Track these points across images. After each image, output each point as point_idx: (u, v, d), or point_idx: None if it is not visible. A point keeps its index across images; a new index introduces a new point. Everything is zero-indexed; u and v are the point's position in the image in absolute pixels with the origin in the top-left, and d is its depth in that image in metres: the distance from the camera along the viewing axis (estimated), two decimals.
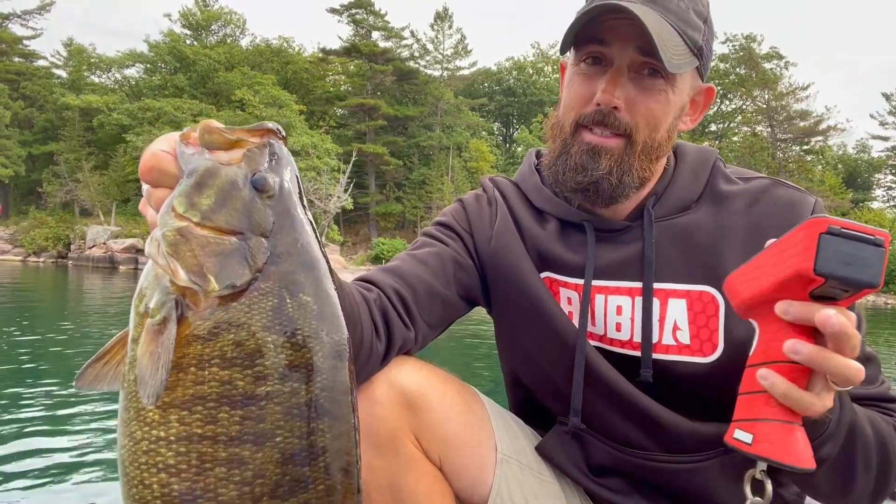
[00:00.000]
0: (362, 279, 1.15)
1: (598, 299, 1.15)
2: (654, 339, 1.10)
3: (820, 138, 43.14)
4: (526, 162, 1.33)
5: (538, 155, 1.33)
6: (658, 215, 1.14)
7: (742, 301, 0.82)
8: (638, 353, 1.11)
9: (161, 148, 0.66)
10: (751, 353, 0.82)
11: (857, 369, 0.75)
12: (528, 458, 1.21)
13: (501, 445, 1.16)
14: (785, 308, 0.75)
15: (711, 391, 1.07)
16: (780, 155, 41.06)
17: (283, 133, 0.68)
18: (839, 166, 48.31)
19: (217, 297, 0.62)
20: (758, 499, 0.84)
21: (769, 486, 0.83)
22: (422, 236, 1.29)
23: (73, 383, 0.67)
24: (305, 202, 0.69)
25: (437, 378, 1.12)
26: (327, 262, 0.68)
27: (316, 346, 0.64)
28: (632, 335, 1.12)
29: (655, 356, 1.10)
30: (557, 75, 1.31)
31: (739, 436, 0.80)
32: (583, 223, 1.18)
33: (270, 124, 0.67)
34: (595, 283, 1.14)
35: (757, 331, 0.82)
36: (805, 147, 43.51)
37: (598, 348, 1.15)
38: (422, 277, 1.15)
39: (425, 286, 1.15)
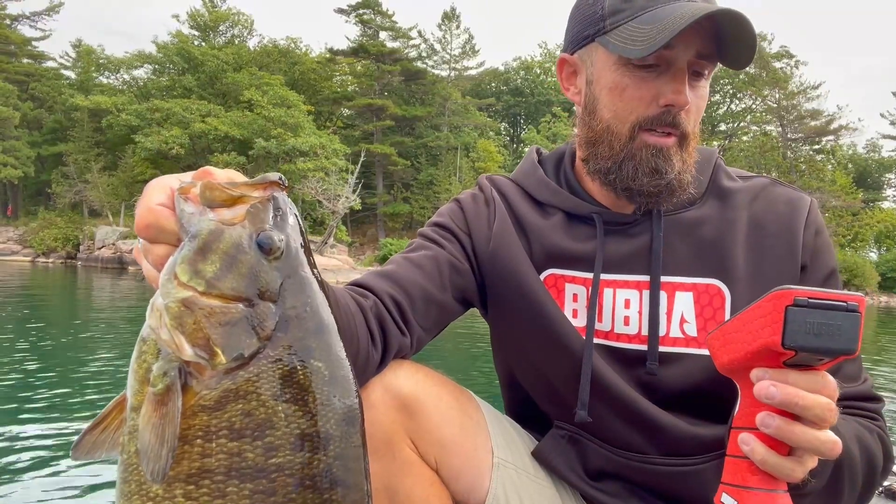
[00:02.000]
0: (358, 284, 1.14)
1: (607, 293, 1.14)
2: (662, 332, 1.11)
3: (831, 138, 42.79)
4: (527, 159, 1.32)
5: (538, 153, 1.35)
6: (665, 209, 1.15)
7: (720, 364, 0.81)
8: (645, 347, 1.12)
9: (158, 201, 0.63)
10: (734, 413, 0.81)
11: (830, 443, 0.73)
12: (525, 462, 1.19)
13: (498, 449, 1.16)
14: (759, 375, 0.74)
15: (715, 386, 1.06)
16: (791, 154, 40.73)
17: (286, 182, 0.65)
18: (849, 166, 47.99)
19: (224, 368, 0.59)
20: None
21: None
22: (418, 237, 1.27)
23: (70, 454, 0.63)
24: (312, 257, 0.66)
25: (433, 381, 1.12)
26: (330, 304, 0.66)
27: (328, 414, 0.61)
28: (640, 329, 1.12)
29: (663, 349, 1.10)
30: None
31: (726, 500, 0.78)
32: (592, 215, 1.18)
33: (273, 176, 0.64)
34: (603, 276, 1.14)
35: (739, 391, 0.81)
36: (816, 147, 43.15)
37: (602, 346, 1.14)
38: (417, 282, 1.14)
39: (421, 291, 1.14)
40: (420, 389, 1.08)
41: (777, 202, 1.14)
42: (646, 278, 1.12)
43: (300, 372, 0.60)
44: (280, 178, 0.64)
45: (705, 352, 1.08)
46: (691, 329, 1.10)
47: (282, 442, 0.59)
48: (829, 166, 42.83)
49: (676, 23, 0.97)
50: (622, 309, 1.13)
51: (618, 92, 1.08)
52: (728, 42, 1.02)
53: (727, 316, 1.09)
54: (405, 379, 1.08)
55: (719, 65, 1.08)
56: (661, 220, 1.13)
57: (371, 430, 0.99)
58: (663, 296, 1.11)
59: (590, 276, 1.15)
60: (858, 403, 1.06)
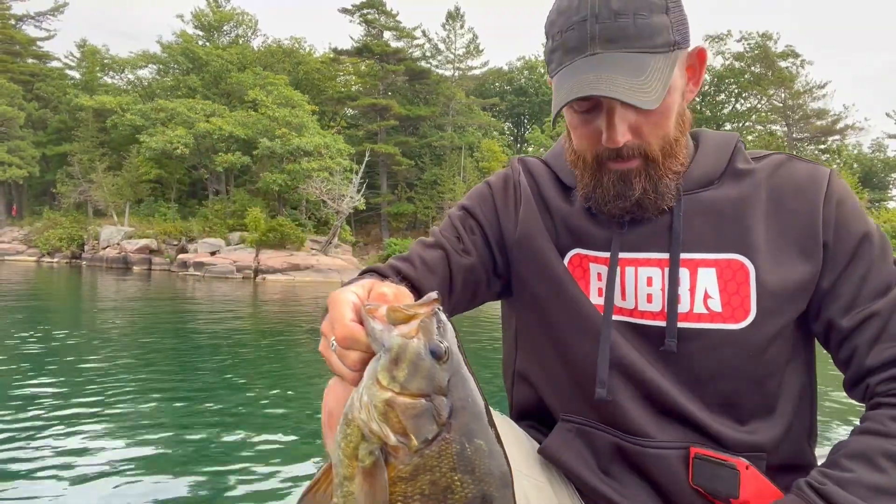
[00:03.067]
0: (374, 270, 1.22)
1: (629, 272, 1.16)
2: (686, 309, 1.12)
3: (837, 137, 42.59)
4: (561, 140, 1.34)
5: None
6: (683, 189, 1.16)
7: None
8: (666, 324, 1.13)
9: (350, 318, 0.81)
10: None
11: None
12: (518, 460, 1.19)
13: None
14: None
15: (739, 362, 1.09)
16: (796, 154, 40.52)
17: (442, 297, 0.83)
18: (854, 166, 47.78)
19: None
20: None
21: None
22: (447, 218, 1.33)
23: None
24: (465, 356, 0.82)
25: None
26: (483, 397, 0.82)
27: (490, 480, 0.77)
28: (663, 306, 1.13)
29: (687, 325, 1.11)
30: None
31: None
32: None
33: (434, 294, 0.81)
34: (624, 255, 1.16)
35: None
36: (821, 146, 42.96)
37: (625, 323, 1.15)
38: (429, 286, 1.20)
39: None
40: None
41: (795, 176, 1.15)
42: (666, 256, 1.14)
43: (468, 449, 0.77)
44: (438, 295, 0.81)
45: (730, 326, 1.09)
46: (715, 304, 1.10)
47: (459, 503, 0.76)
48: (835, 166, 42.64)
49: (559, 100, 1.06)
50: (645, 287, 1.15)
51: (573, 129, 1.15)
52: None
53: (752, 289, 1.09)
54: None
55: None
56: (681, 198, 1.15)
57: None
58: (685, 272, 1.12)
59: (608, 255, 1.18)
60: None
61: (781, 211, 1.13)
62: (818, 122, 41.21)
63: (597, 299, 1.18)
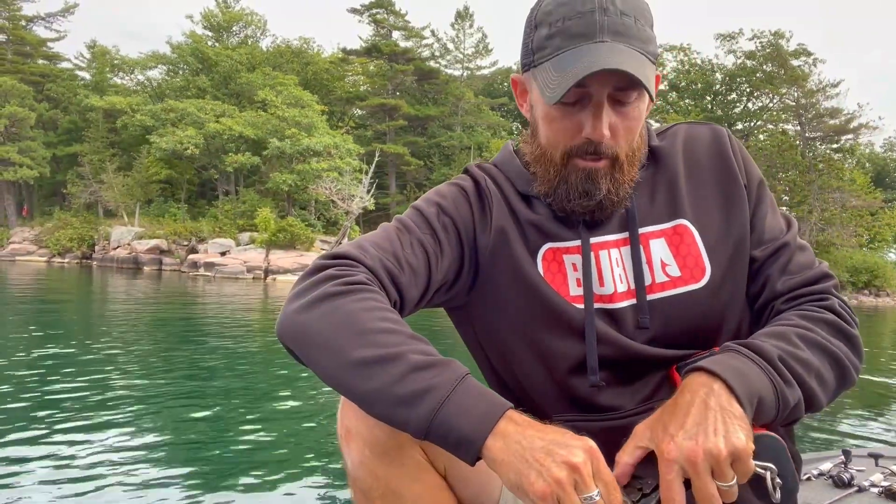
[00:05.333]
0: (349, 257, 1.13)
1: (602, 256, 1.20)
2: (648, 281, 1.18)
3: (850, 136, 42.14)
4: (504, 150, 1.37)
5: (513, 145, 1.39)
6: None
7: None
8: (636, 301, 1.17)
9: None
10: None
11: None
12: None
13: None
14: None
15: (711, 320, 1.17)
16: (809, 153, 40.22)
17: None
18: (867, 165, 47.43)
19: None
20: None
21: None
22: (418, 215, 1.24)
23: None
24: None
25: None
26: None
27: None
28: (628, 285, 1.18)
29: (654, 296, 1.17)
30: None
31: None
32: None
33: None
34: (593, 240, 1.20)
35: None
36: (834, 146, 42.54)
37: (605, 311, 1.18)
38: (412, 296, 1.19)
39: (411, 302, 1.19)
40: None
41: (700, 137, 1.27)
42: (624, 235, 1.20)
43: None
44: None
45: (692, 287, 1.17)
46: (673, 270, 1.18)
47: None
48: (847, 165, 42.22)
49: (568, 79, 1.07)
50: (617, 269, 1.19)
51: (548, 122, 1.16)
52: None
53: (702, 248, 1.18)
54: None
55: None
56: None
57: (382, 436, 1.06)
58: (640, 248, 1.19)
59: (580, 243, 1.21)
60: (806, 289, 1.15)
61: (700, 170, 1.24)
62: (831, 121, 40.82)
63: (576, 290, 1.19)
